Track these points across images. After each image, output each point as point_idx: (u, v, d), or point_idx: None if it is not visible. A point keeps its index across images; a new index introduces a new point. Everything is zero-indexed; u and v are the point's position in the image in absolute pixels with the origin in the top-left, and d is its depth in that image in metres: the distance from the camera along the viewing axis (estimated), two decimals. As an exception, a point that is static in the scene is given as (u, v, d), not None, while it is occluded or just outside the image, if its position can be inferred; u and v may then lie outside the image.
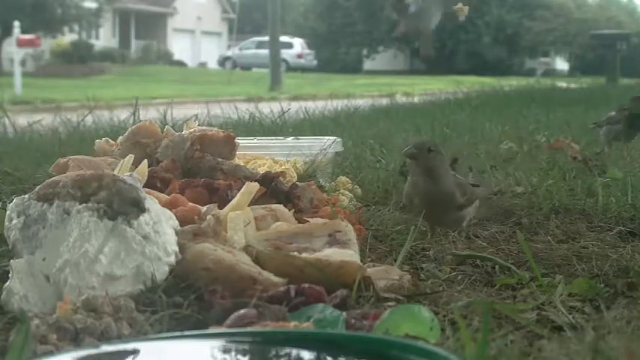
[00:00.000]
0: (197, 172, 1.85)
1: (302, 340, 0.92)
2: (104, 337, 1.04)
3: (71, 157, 1.95)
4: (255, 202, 1.57)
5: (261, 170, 1.91)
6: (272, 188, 1.70)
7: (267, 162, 2.16)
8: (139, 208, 1.26)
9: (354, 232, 1.44)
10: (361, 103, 6.47)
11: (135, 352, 0.91)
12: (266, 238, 1.40)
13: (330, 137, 2.47)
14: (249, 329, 1.01)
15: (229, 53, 32.09)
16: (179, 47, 34.16)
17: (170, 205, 1.46)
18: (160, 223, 1.28)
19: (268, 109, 4.47)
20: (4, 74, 18.62)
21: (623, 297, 1.31)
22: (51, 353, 0.97)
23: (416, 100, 8.24)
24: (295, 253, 1.30)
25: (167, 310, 1.14)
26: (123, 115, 4.11)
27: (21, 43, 15.13)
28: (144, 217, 1.26)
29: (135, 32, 33.72)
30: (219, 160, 1.89)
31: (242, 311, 1.08)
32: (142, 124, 2.04)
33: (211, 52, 35.68)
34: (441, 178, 1.76)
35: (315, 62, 31.94)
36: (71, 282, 1.19)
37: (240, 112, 4.49)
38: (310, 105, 5.17)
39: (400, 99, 8.39)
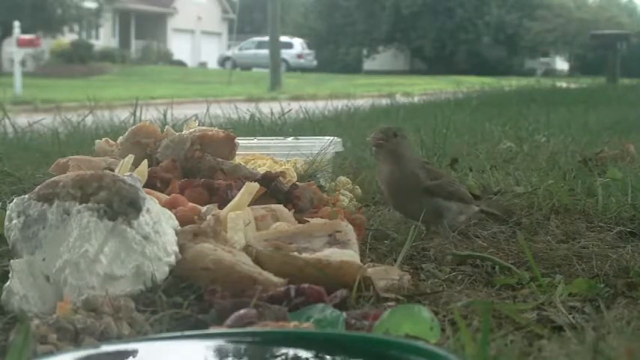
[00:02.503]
0: (197, 172, 1.85)
1: (302, 340, 0.92)
2: (104, 337, 1.04)
3: (71, 157, 1.94)
4: (255, 202, 1.57)
5: (261, 170, 1.91)
6: (272, 188, 1.70)
7: (267, 162, 2.16)
8: (139, 208, 1.26)
9: (354, 232, 1.44)
10: (361, 103, 6.47)
11: (135, 352, 0.91)
12: (266, 238, 1.40)
13: (330, 137, 2.46)
14: (249, 329, 1.01)
15: (229, 53, 32.08)
16: (179, 47, 34.17)
17: (170, 205, 1.46)
18: (160, 223, 1.28)
19: (268, 109, 4.47)
20: (4, 74, 18.64)
21: (623, 297, 1.31)
22: (51, 353, 0.97)
23: (416, 100, 8.24)
24: (295, 253, 1.30)
25: (167, 310, 1.14)
26: (123, 115, 4.11)
27: (21, 43, 15.14)
28: (144, 217, 1.26)
29: (135, 32, 33.72)
30: (219, 160, 1.88)
31: (242, 311, 1.08)
32: (142, 124, 2.03)
33: (211, 52, 35.69)
34: (405, 162, 1.75)
35: (315, 62, 31.95)
36: (71, 282, 1.19)
37: (240, 112, 4.49)
38: (310, 105, 5.17)
39: (400, 99, 8.39)
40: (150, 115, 4.03)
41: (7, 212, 1.32)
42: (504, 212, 1.92)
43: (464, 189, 1.85)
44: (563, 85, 13.04)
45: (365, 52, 36.60)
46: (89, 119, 4.05)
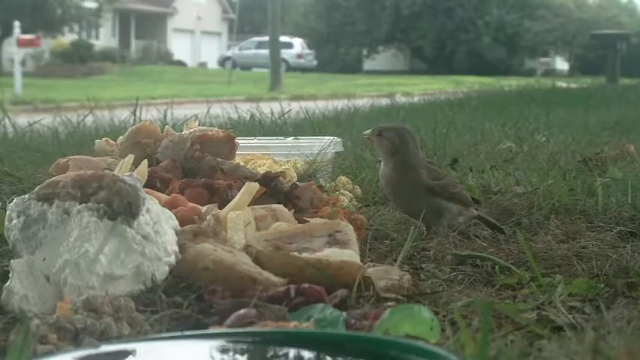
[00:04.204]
0: (197, 172, 1.85)
1: (302, 340, 0.92)
2: (104, 337, 1.04)
3: (71, 157, 1.94)
4: (255, 202, 1.57)
5: (261, 170, 1.91)
6: (272, 188, 1.70)
7: (267, 162, 2.16)
8: (139, 208, 1.26)
9: (354, 232, 1.44)
10: (361, 103, 6.47)
11: (135, 352, 0.91)
12: (266, 238, 1.40)
13: (330, 137, 2.46)
14: (249, 329, 1.01)
15: (229, 53, 32.08)
16: (179, 47, 34.16)
17: (170, 205, 1.46)
18: (160, 223, 1.28)
19: (268, 109, 4.46)
20: (4, 74, 18.62)
21: (623, 297, 1.31)
22: (51, 353, 0.97)
23: (416, 100, 8.25)
24: (295, 253, 1.30)
25: (167, 310, 1.14)
26: (123, 115, 4.11)
27: (21, 43, 15.14)
28: (144, 217, 1.26)
29: (135, 32, 33.71)
30: (219, 160, 1.88)
31: (242, 311, 1.08)
32: (142, 124, 2.03)
33: (211, 52, 35.68)
34: (401, 160, 1.74)
35: (315, 62, 31.94)
36: (71, 282, 1.19)
37: (240, 112, 4.49)
38: (310, 105, 5.17)
39: (400, 99, 8.39)
40: (150, 115, 4.03)
41: (7, 212, 1.32)
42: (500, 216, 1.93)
43: (465, 192, 1.86)
44: (563, 85, 13.04)
45: (365, 52, 36.57)
46: (89, 119, 4.05)
